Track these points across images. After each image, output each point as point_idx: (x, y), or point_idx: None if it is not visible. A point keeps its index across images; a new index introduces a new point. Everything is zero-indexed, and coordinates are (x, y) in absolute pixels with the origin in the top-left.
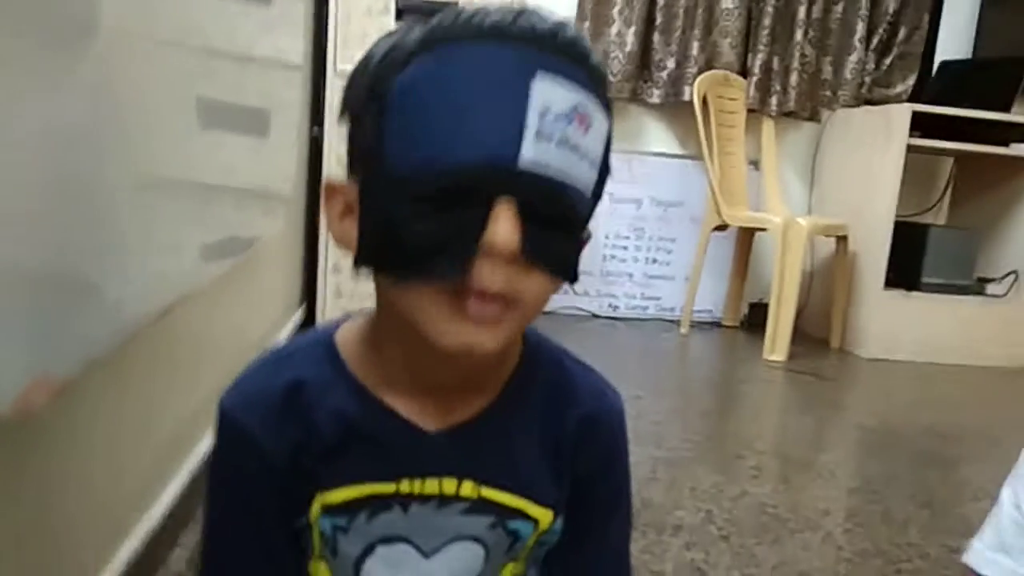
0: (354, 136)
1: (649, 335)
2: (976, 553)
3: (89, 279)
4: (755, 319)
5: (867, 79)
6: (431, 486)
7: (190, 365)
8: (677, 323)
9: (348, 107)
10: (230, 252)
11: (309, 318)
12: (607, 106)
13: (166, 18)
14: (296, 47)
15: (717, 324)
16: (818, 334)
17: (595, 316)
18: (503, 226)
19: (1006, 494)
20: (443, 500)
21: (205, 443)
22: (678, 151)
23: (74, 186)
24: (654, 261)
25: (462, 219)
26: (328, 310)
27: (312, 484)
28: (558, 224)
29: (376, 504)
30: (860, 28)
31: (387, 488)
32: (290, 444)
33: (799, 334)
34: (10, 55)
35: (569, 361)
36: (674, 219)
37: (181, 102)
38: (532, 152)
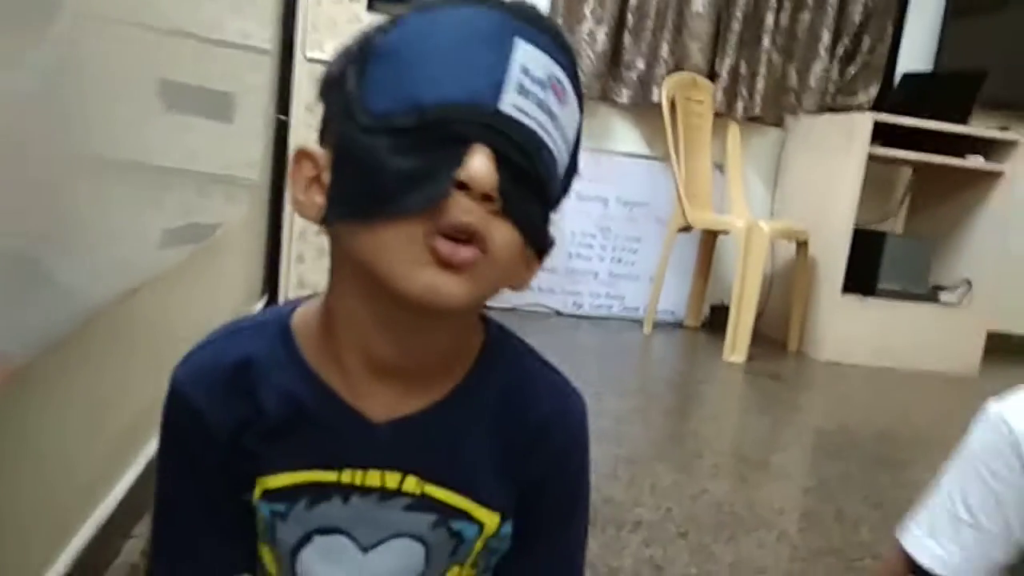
0: (332, 97)
1: (612, 334)
2: (912, 537)
3: (42, 262)
4: (716, 320)
5: (831, 87)
6: (373, 478)
7: (147, 353)
8: (640, 323)
9: (329, 74)
10: (191, 239)
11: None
12: (580, 98)
13: None
14: (264, 32)
15: (679, 325)
16: (777, 337)
17: (559, 313)
18: (479, 160)
19: (952, 488)
20: (385, 494)
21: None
22: (645, 152)
23: (27, 167)
24: (619, 260)
25: (439, 154)
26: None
27: (253, 466)
28: (532, 183)
29: (316, 492)
30: (826, 37)
31: (328, 476)
32: (234, 420)
33: (758, 336)
34: None
35: (531, 359)
36: (640, 219)
37: (143, 84)
38: (513, 99)
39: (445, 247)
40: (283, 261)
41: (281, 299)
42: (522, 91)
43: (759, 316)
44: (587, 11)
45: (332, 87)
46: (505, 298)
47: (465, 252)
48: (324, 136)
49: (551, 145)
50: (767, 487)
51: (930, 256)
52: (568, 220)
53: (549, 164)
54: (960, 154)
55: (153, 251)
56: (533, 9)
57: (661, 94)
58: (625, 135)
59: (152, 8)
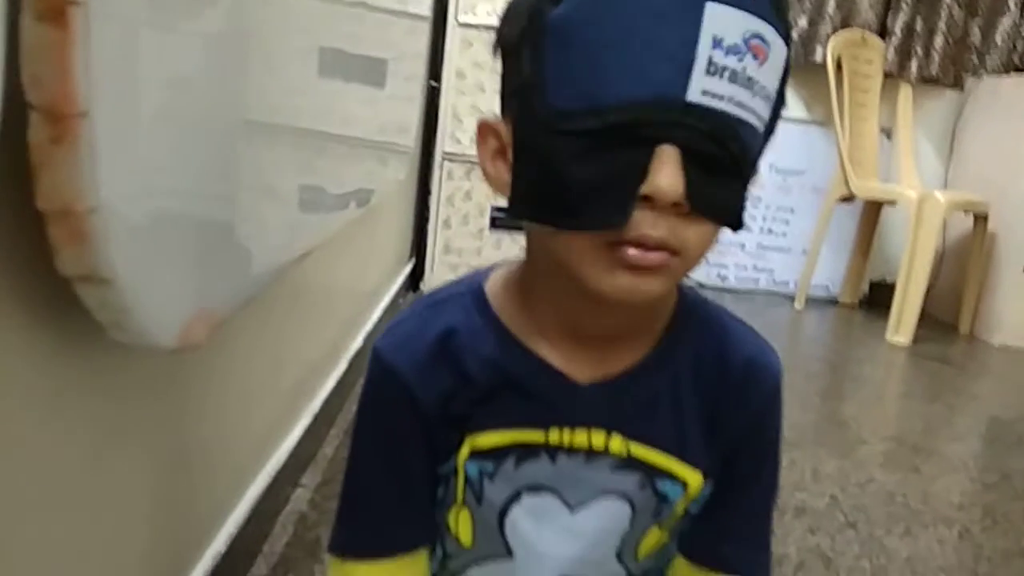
0: (509, 71)
1: (760, 309)
2: None
3: (230, 225)
4: (876, 298)
5: (1020, 45)
6: (580, 438)
7: (315, 312)
8: (790, 298)
9: (503, 40)
10: (353, 203)
11: (417, 272)
12: (787, 34)
13: None
14: None
15: (834, 301)
16: (945, 318)
17: (701, 286)
18: (667, 171)
19: None
20: (591, 453)
21: (327, 388)
22: (804, 116)
23: (203, 132)
24: (769, 231)
25: (623, 162)
26: (436, 265)
27: (462, 428)
28: (727, 168)
29: (524, 451)
30: None
31: (536, 436)
32: (441, 390)
33: (925, 316)
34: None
35: (728, 318)
36: (794, 188)
37: (304, 51)
38: (702, 86)
39: (634, 255)
40: (430, 226)
41: (427, 263)
42: (714, 70)
43: (927, 295)
44: None
45: (508, 57)
46: None
47: (655, 257)
48: (505, 106)
49: (749, 119)
50: (943, 479)
51: None
52: None
53: (748, 139)
54: None
55: (325, 214)
56: None
57: (826, 53)
58: None
59: None
